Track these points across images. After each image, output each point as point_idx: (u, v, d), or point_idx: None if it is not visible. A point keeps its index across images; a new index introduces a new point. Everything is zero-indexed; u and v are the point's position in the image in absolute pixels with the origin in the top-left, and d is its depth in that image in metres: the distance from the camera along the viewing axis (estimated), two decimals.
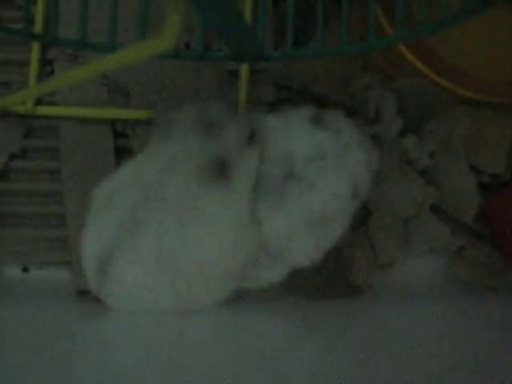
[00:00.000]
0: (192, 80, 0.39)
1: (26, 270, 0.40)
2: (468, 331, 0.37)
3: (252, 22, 0.39)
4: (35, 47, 0.40)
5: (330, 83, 0.40)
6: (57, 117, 0.39)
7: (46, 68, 0.40)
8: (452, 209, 0.40)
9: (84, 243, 0.34)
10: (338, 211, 0.32)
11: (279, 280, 0.35)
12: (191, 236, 0.32)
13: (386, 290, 0.41)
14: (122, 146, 0.40)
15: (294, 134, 0.32)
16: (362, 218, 0.40)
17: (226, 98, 0.39)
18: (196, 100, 0.39)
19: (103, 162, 0.39)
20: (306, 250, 0.33)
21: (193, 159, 0.31)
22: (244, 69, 0.39)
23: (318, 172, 0.32)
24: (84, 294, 0.37)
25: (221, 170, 0.31)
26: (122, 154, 0.40)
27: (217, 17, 0.29)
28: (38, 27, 0.39)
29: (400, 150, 0.39)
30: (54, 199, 0.39)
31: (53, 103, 0.40)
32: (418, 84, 0.38)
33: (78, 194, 0.38)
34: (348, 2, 0.35)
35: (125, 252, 0.32)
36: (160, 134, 0.33)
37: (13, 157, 0.40)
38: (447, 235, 0.40)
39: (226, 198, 0.31)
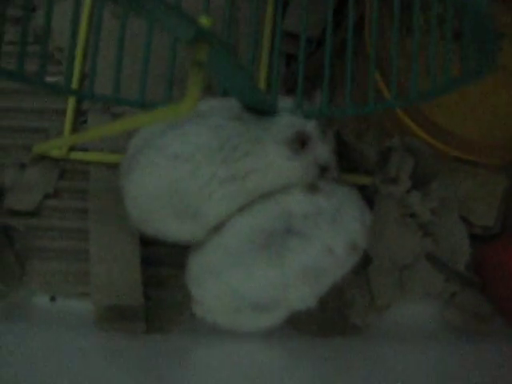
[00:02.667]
0: None
1: (53, 299, 0.44)
2: (458, 373, 0.40)
3: (267, 83, 0.43)
4: (71, 99, 0.44)
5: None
6: (87, 161, 0.44)
7: (81, 117, 0.45)
8: (446, 258, 0.43)
9: None
10: (331, 265, 0.36)
11: (278, 322, 0.38)
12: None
13: (382, 331, 0.44)
14: None
15: (293, 195, 0.36)
16: (363, 263, 0.43)
17: None
18: None
19: None
20: (301, 298, 0.36)
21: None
22: None
23: (314, 227, 0.35)
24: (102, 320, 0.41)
25: None
26: None
27: (236, 86, 0.33)
28: (75, 83, 0.43)
29: (405, 205, 0.42)
30: (82, 236, 0.43)
31: (84, 149, 0.44)
32: (422, 146, 0.42)
33: (103, 232, 0.42)
34: (351, 70, 0.38)
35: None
36: None
37: (47, 196, 0.44)
38: (441, 282, 0.43)
39: None
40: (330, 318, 0.43)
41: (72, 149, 0.44)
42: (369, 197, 0.43)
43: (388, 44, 0.40)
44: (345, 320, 0.43)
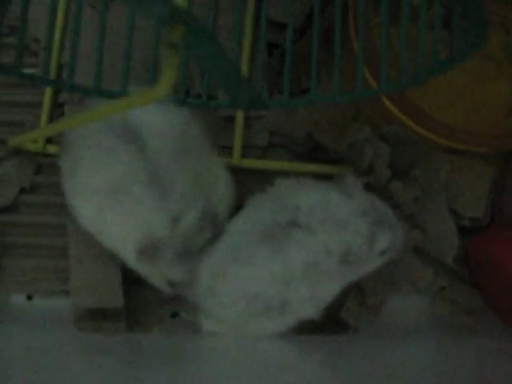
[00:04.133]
0: None
1: (30, 297, 0.42)
2: (448, 368, 0.39)
3: (249, 72, 0.42)
4: (48, 91, 0.43)
5: (330, 132, 0.43)
6: None
7: (57, 110, 0.43)
8: (434, 251, 0.42)
9: None
10: (327, 266, 0.34)
11: (285, 330, 0.37)
12: None
13: (373, 327, 0.43)
14: None
15: (311, 188, 0.36)
16: None
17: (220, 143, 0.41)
18: None
19: None
20: (303, 299, 0.35)
21: None
22: (239, 115, 0.41)
23: (320, 223, 0.34)
24: (82, 320, 0.40)
25: None
26: None
27: (218, 71, 0.32)
28: (52, 73, 0.42)
29: (386, 196, 0.41)
30: (59, 232, 0.42)
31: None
32: (401, 133, 0.41)
33: (81, 229, 0.41)
34: (340, 56, 0.37)
35: None
36: None
37: (23, 191, 0.43)
38: (430, 276, 0.42)
39: None
40: (322, 318, 0.42)
41: (49, 142, 0.42)
42: None
43: (372, 33, 0.39)
44: (336, 320, 0.42)
